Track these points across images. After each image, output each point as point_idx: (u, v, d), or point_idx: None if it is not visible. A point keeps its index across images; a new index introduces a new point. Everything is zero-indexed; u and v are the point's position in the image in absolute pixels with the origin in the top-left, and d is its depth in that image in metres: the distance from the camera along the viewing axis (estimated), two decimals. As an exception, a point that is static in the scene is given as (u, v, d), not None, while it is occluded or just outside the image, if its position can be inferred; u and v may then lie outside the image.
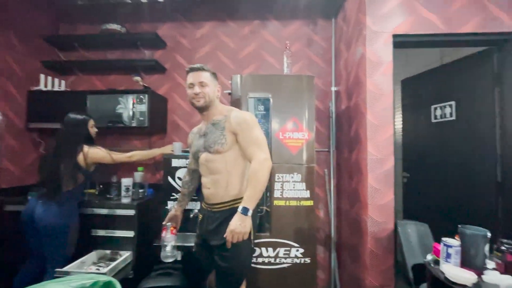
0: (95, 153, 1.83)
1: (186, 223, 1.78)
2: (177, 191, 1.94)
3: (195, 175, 1.63)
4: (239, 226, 1.18)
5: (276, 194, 1.81)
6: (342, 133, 2.24)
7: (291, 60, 2.11)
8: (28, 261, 1.85)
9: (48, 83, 2.34)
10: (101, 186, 2.34)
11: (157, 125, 2.34)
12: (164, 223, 1.61)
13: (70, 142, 1.79)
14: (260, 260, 1.78)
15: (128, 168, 2.47)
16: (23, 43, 2.25)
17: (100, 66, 2.47)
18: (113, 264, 1.77)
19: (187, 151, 2.11)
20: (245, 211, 1.19)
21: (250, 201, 1.20)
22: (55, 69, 2.51)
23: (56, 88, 2.38)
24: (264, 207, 1.81)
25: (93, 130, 1.95)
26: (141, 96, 2.18)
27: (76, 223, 1.82)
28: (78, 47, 2.53)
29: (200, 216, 1.48)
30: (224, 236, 1.21)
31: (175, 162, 1.97)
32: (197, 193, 1.74)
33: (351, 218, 2.00)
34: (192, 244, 1.75)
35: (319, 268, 2.37)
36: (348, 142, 2.07)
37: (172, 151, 2.11)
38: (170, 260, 1.57)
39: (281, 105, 1.84)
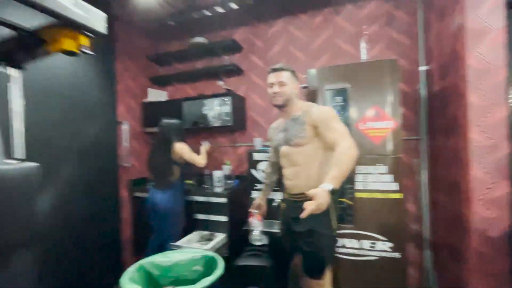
0: (179, 148, 2.17)
1: (270, 211, 1.94)
2: (260, 182, 2.13)
3: (275, 167, 1.76)
4: (321, 197, 1.12)
5: (358, 186, 1.77)
6: (435, 118, 1.98)
7: (370, 44, 1.98)
8: (152, 235, 2.39)
9: (154, 95, 2.89)
10: (197, 178, 2.76)
11: (238, 122, 2.59)
12: (250, 210, 1.81)
13: (167, 143, 2.20)
14: (343, 250, 1.79)
15: (218, 162, 2.82)
16: (135, 64, 2.85)
17: (190, 75, 2.89)
18: (212, 243, 2.10)
19: (267, 146, 2.27)
20: (325, 186, 1.16)
21: (332, 180, 1.17)
22: (158, 83, 3.07)
23: (160, 99, 2.91)
24: (345, 200, 1.80)
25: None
26: (225, 99, 2.45)
27: (182, 207, 2.24)
28: (173, 61, 3.02)
29: (283, 205, 1.61)
30: (303, 207, 1.17)
31: (256, 156, 2.16)
32: (278, 184, 1.88)
33: (450, 214, 1.77)
34: (277, 230, 1.91)
35: (410, 265, 2.19)
36: (443, 127, 1.82)
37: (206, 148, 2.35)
38: (258, 243, 1.77)
39: (360, 94, 1.77)
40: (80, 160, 2.12)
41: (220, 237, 2.23)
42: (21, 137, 1.21)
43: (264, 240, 1.83)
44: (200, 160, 2.19)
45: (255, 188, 2.15)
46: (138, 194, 2.61)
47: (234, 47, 2.70)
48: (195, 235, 2.31)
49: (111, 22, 2.43)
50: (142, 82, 2.93)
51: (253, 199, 2.12)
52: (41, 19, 1.01)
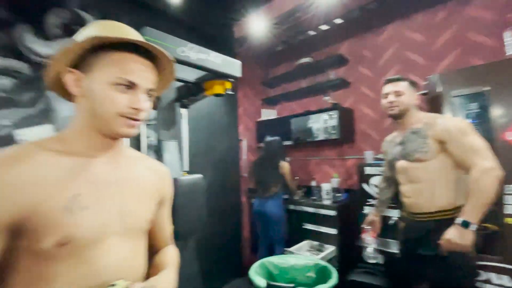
0: (284, 167, 2.48)
1: (386, 229, 1.83)
2: (373, 197, 2.05)
3: (390, 182, 1.67)
4: (457, 238, 1.10)
5: (509, 209, 1.43)
6: None
7: (517, 33, 1.60)
8: (260, 239, 2.68)
9: (265, 114, 3.30)
10: (303, 188, 2.91)
11: (346, 135, 2.58)
12: (363, 225, 1.77)
13: (272, 157, 2.54)
14: (488, 286, 1.47)
15: (324, 174, 2.89)
16: (251, 90, 3.35)
17: (297, 93, 3.13)
18: (323, 253, 2.17)
19: (379, 159, 2.17)
20: (465, 224, 1.09)
21: (471, 214, 1.08)
22: (268, 102, 3.48)
23: (270, 117, 3.29)
24: (489, 225, 1.49)
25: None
26: (331, 113, 2.53)
27: (284, 215, 2.49)
28: (281, 83, 3.36)
29: (402, 224, 1.50)
30: (438, 242, 1.16)
31: (368, 170, 2.10)
32: (394, 200, 1.76)
33: None
34: (393, 251, 1.78)
35: None
36: None
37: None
38: (372, 261, 1.70)
39: (506, 98, 1.45)
40: (213, 170, 2.68)
41: (330, 249, 2.26)
42: (187, 155, 1.72)
43: (379, 259, 1.75)
44: (294, 187, 2.62)
45: (367, 203, 2.08)
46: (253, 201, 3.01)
47: (340, 61, 2.75)
48: (305, 244, 2.44)
49: (233, 57, 3.01)
50: (256, 104, 3.41)
51: (365, 214, 2.05)
52: (201, 74, 1.44)
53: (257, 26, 2.58)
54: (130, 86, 0.55)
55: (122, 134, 0.57)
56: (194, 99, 1.55)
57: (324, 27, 2.68)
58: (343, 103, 2.74)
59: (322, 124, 2.63)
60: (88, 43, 0.52)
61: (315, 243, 2.43)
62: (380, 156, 2.20)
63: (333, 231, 2.30)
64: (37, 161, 0.51)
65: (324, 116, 2.60)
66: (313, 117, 2.71)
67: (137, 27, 2.07)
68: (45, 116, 1.63)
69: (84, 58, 0.55)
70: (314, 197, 2.58)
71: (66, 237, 0.49)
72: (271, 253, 2.58)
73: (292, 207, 2.64)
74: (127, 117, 0.55)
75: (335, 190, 2.48)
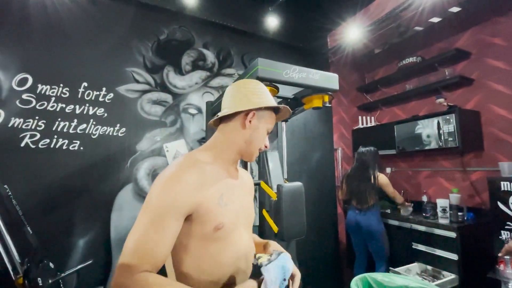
0: (383, 180, 2.35)
1: (536, 263, 1.42)
2: (513, 221, 1.63)
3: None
4: None
5: None
6: None
7: None
8: (357, 254, 2.51)
9: (363, 121, 3.13)
10: (412, 203, 2.57)
11: (469, 143, 2.15)
12: (500, 255, 1.45)
13: (366, 167, 2.40)
14: None
15: (440, 188, 2.48)
16: (346, 97, 3.26)
17: (400, 97, 2.83)
18: (440, 281, 1.86)
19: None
20: None
21: None
22: (365, 109, 3.28)
23: (369, 124, 3.10)
24: None
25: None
26: (447, 117, 2.17)
27: (384, 229, 2.30)
28: (380, 87, 3.13)
29: None
30: None
31: (505, 186, 1.69)
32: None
33: None
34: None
35: None
36: None
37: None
38: None
39: None
40: (308, 179, 2.75)
41: (449, 277, 1.91)
42: (284, 164, 1.88)
43: (527, 300, 1.38)
44: (399, 196, 2.40)
45: (505, 227, 1.67)
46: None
47: (458, 56, 2.34)
48: (415, 266, 2.15)
49: (327, 67, 3.04)
50: (351, 111, 3.29)
51: (503, 241, 1.65)
52: (299, 89, 1.57)
53: (352, 32, 2.54)
54: (267, 132, 0.83)
55: (251, 160, 0.84)
56: (293, 113, 1.69)
57: (435, 20, 2.36)
58: (463, 105, 2.31)
59: (434, 130, 2.29)
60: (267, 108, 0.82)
61: (429, 267, 2.10)
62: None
63: (453, 256, 1.94)
64: (201, 168, 0.73)
65: (437, 121, 2.26)
66: (422, 122, 2.39)
67: (245, 53, 2.41)
68: (181, 132, 2.14)
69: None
70: (426, 214, 2.25)
71: (220, 223, 0.71)
72: (368, 269, 2.39)
73: (396, 223, 2.39)
74: (260, 150, 0.83)
75: (455, 207, 2.08)
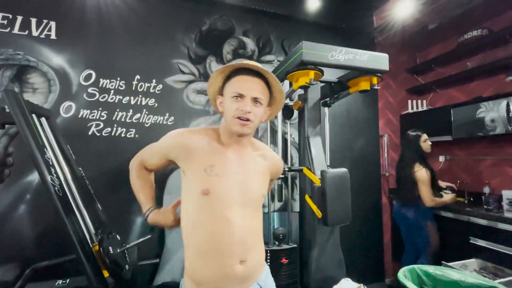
0: (419, 175, 2.09)
1: None
2: None
3: None
4: None
5: None
6: None
7: None
8: (406, 245, 2.37)
9: (413, 105, 2.88)
10: (470, 195, 2.34)
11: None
12: None
13: (406, 156, 2.20)
14: None
15: (507, 178, 2.20)
16: (393, 80, 3.02)
17: (459, 77, 2.53)
18: (503, 280, 1.68)
19: None
20: None
21: None
22: (416, 93, 3.01)
23: (419, 109, 2.84)
24: None
25: (425, 144, 2.17)
26: (519, 98, 1.89)
27: (431, 222, 2.14)
28: (434, 67, 2.82)
29: None
30: None
31: None
32: None
33: None
34: None
35: None
36: None
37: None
38: None
39: None
40: (351, 167, 2.65)
41: (515, 277, 1.72)
42: (327, 150, 1.84)
43: None
44: (428, 200, 2.09)
45: None
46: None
47: (535, 25, 1.99)
48: (472, 262, 1.97)
49: (373, 47, 2.83)
50: (400, 95, 3.04)
51: None
52: (344, 72, 1.50)
53: (403, 7, 2.31)
54: (239, 96, 0.79)
55: (236, 131, 0.81)
56: (337, 98, 1.64)
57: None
58: (541, 83, 1.98)
59: (501, 113, 2.01)
60: (219, 72, 0.83)
61: (489, 264, 1.91)
62: None
63: (521, 254, 1.73)
64: (201, 137, 0.85)
65: (506, 102, 1.98)
66: (486, 104, 2.12)
67: (285, 38, 2.38)
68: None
69: (223, 87, 0.85)
70: (489, 207, 2.02)
71: (207, 189, 0.79)
72: (416, 262, 2.26)
73: (451, 215, 2.20)
74: (238, 118, 0.79)
75: (525, 201, 1.84)
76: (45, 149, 1.24)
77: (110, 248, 1.30)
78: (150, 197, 0.96)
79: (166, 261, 1.93)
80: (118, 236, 1.49)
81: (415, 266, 1.60)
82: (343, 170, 1.32)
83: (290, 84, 1.47)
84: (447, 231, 2.21)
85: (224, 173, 0.81)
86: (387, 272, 2.77)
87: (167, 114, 2.04)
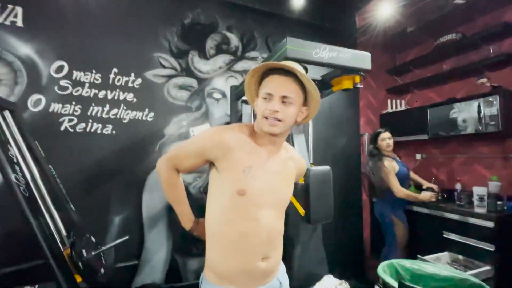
0: (385, 164, 2.22)
1: None
2: None
3: None
4: None
5: None
6: None
7: None
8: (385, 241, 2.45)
9: (393, 105, 2.97)
10: (443, 192, 2.44)
11: (506, 129, 1.97)
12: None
13: (368, 152, 2.41)
14: None
15: (477, 175, 2.33)
16: (374, 80, 3.10)
17: (435, 79, 2.64)
18: (473, 271, 1.78)
19: None
20: None
21: None
22: (395, 93, 3.11)
23: (398, 108, 2.94)
24: None
25: (383, 143, 2.28)
26: (490, 99, 2.00)
27: (401, 219, 2.24)
28: (412, 68, 2.93)
29: None
30: None
31: (555, 173, 1.54)
32: None
33: None
34: None
35: None
36: None
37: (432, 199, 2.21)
38: None
39: None
40: (332, 165, 2.67)
41: (483, 268, 1.82)
42: (310, 148, 1.85)
43: None
44: (397, 190, 2.18)
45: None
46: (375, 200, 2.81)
47: (505, 31, 2.11)
48: (445, 255, 2.07)
49: (355, 48, 2.88)
50: (380, 95, 3.13)
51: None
52: (328, 71, 1.51)
53: (384, 9, 2.37)
54: (268, 96, 0.78)
55: (266, 130, 0.79)
56: (320, 96, 1.64)
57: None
58: (507, 85, 2.10)
59: (473, 113, 2.12)
60: (251, 75, 0.83)
61: (460, 257, 2.02)
62: None
63: (488, 246, 1.84)
64: (239, 136, 0.83)
65: (478, 103, 2.09)
66: (459, 105, 2.23)
67: (269, 35, 2.35)
68: (206, 117, 2.17)
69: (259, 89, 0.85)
70: (460, 202, 2.13)
71: (243, 190, 0.78)
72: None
73: (426, 211, 2.30)
74: (267, 118, 0.78)
75: (493, 196, 1.95)
76: (8, 145, 1.14)
77: (84, 251, 1.23)
78: (189, 206, 0.96)
79: (145, 262, 1.86)
80: (93, 238, 1.41)
81: (393, 261, 1.66)
82: (326, 167, 1.33)
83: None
84: (422, 226, 2.31)
85: (260, 175, 0.81)
86: (367, 268, 2.85)
87: (147, 109, 1.96)
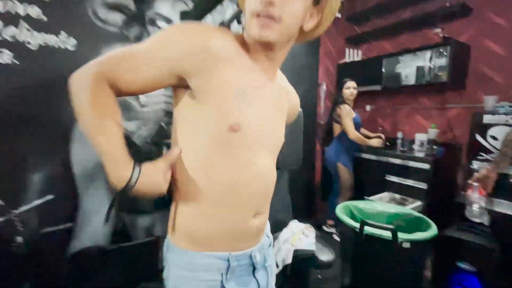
0: (341, 110, 2.33)
1: (501, 188, 1.57)
2: (487, 151, 1.73)
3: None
4: None
5: None
6: None
7: None
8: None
9: (350, 55, 2.94)
10: (387, 139, 2.64)
11: (456, 79, 2.13)
12: (470, 182, 1.56)
13: (334, 100, 2.46)
14: None
15: (416, 125, 2.55)
16: (334, 26, 2.96)
17: (392, 29, 2.63)
18: (408, 207, 2.03)
19: (503, 107, 1.76)
20: None
21: None
22: (353, 42, 3.06)
23: (355, 59, 2.92)
24: None
25: (348, 91, 2.37)
26: (441, 49, 2.07)
27: (345, 164, 2.39)
28: (372, 17, 2.86)
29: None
30: None
31: (488, 119, 1.73)
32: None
33: None
34: (507, 212, 1.55)
35: None
36: None
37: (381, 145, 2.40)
38: (476, 220, 1.55)
39: None
40: (291, 115, 2.62)
41: (415, 204, 2.10)
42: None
43: (485, 219, 1.57)
44: (351, 131, 2.28)
45: (478, 158, 1.78)
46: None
47: (461, -19, 2.12)
48: (385, 195, 2.32)
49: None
50: (338, 44, 3.04)
51: (474, 170, 1.78)
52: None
53: None
54: None
55: (255, 35, 0.53)
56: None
57: None
58: (457, 37, 2.20)
59: (422, 64, 2.21)
60: None
61: (397, 195, 2.28)
62: (505, 103, 1.77)
63: (422, 185, 2.10)
64: (228, 41, 0.55)
65: (429, 54, 2.16)
66: (411, 57, 2.28)
67: None
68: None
69: None
70: (403, 148, 2.34)
71: (237, 125, 0.53)
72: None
73: (374, 157, 2.47)
74: (259, 15, 0.51)
75: (431, 142, 2.17)
76: None
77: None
78: (124, 145, 0.53)
79: (83, 225, 1.58)
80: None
81: (349, 203, 1.74)
82: (299, 110, 1.19)
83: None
84: (367, 170, 2.51)
85: (257, 104, 0.57)
86: (317, 211, 3.07)
87: (63, 33, 1.45)
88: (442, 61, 2.07)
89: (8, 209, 1.08)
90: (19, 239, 1.01)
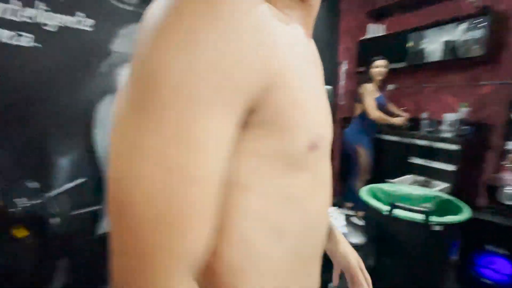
0: (363, 88, 2.20)
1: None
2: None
3: None
4: None
5: None
6: None
7: None
8: None
9: (372, 31, 2.76)
10: (410, 120, 2.52)
11: (491, 53, 1.97)
12: (504, 163, 1.48)
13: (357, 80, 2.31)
14: None
15: (443, 104, 2.41)
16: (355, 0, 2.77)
17: (417, 1, 2.43)
18: (436, 188, 1.97)
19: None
20: None
21: None
22: (375, 16, 2.86)
23: (378, 34, 2.75)
24: None
25: (376, 70, 2.21)
26: (477, 20, 1.90)
27: (365, 146, 2.28)
28: (397, -13, 2.65)
29: None
30: None
31: (529, 96, 1.60)
32: None
33: None
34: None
35: None
36: None
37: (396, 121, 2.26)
38: (510, 202, 1.47)
39: None
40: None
41: (441, 186, 2.03)
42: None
43: (519, 203, 1.49)
44: (371, 110, 2.16)
45: (513, 138, 1.67)
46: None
47: None
48: (408, 178, 2.25)
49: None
50: (360, 19, 2.86)
51: (510, 151, 1.68)
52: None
53: None
54: None
55: None
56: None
57: None
58: (496, 7, 2.00)
59: (454, 38, 2.05)
60: None
61: (421, 178, 2.21)
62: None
63: (449, 167, 2.01)
64: (276, 31, 0.30)
65: (459, 27, 1.99)
66: (438, 30, 2.12)
67: None
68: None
69: None
70: (430, 129, 2.24)
71: (317, 134, 0.33)
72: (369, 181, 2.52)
73: (395, 138, 2.39)
74: None
75: (462, 122, 2.06)
76: None
77: (17, 200, 0.92)
78: None
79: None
80: (32, 184, 1.09)
81: (373, 186, 1.70)
82: (328, 87, 1.13)
83: None
84: (389, 152, 2.43)
85: (313, 97, 0.35)
86: (335, 194, 3.05)
87: (80, 13, 1.41)
88: (476, 34, 1.91)
89: (41, 192, 1.11)
90: (55, 220, 1.04)
